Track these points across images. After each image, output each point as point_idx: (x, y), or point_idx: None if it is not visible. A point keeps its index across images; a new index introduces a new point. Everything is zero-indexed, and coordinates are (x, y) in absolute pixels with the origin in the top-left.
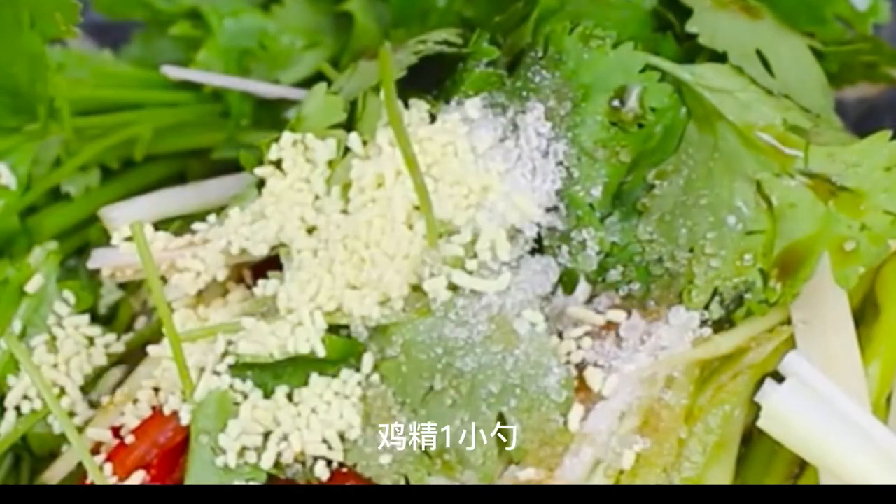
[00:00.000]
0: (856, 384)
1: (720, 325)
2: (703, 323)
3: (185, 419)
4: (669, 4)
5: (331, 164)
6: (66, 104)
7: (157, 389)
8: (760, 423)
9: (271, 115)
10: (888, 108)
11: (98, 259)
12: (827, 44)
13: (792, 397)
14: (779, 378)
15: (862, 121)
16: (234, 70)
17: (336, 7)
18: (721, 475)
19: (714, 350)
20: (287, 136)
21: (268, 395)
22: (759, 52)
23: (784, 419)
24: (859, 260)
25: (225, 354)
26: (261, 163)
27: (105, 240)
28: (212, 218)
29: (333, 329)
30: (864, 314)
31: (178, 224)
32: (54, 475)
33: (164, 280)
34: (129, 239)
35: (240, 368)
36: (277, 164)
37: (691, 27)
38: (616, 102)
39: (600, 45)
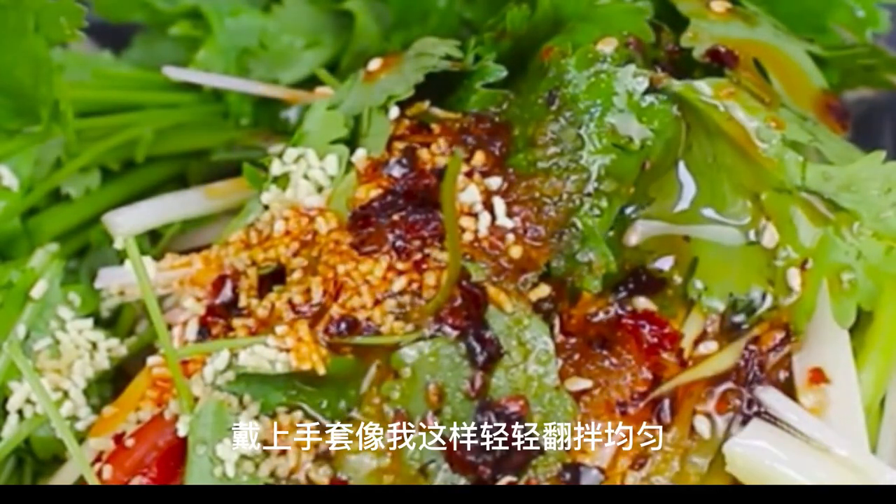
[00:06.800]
0: (850, 391)
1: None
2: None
3: (182, 430)
4: (666, 13)
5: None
6: (70, 107)
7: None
8: (728, 469)
9: (271, 115)
10: (887, 109)
11: (105, 278)
12: (826, 49)
13: (754, 444)
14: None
15: (861, 122)
16: (234, 70)
17: (336, 6)
18: (721, 480)
19: (716, 367)
20: (290, 151)
21: (267, 408)
22: (756, 62)
23: (748, 466)
24: (856, 295)
25: (227, 368)
26: (264, 168)
27: (107, 242)
28: (214, 230)
29: (335, 346)
30: (858, 321)
31: (179, 227)
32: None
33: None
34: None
35: (239, 381)
36: (279, 179)
37: (686, 41)
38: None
39: (600, 69)
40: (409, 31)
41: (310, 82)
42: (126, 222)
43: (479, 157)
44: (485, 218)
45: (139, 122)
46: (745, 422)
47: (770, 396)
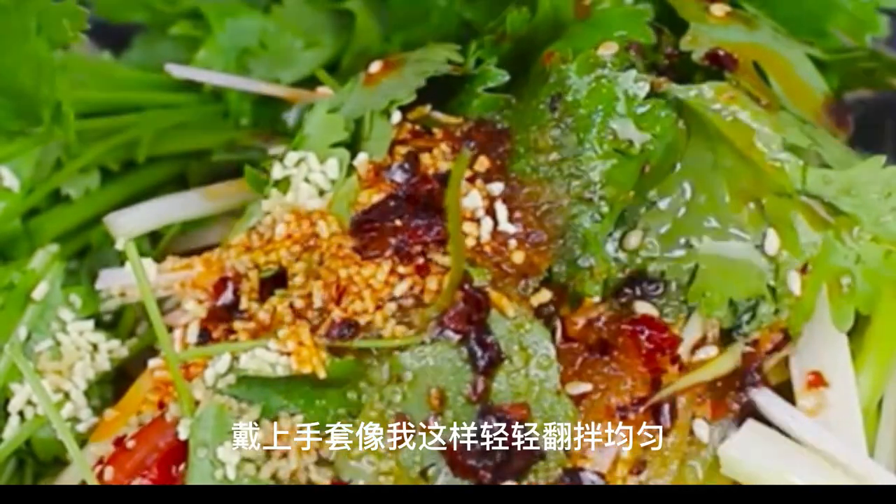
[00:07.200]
0: (848, 395)
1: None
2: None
3: (183, 433)
4: (666, 16)
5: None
6: (72, 108)
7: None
8: (723, 472)
9: (271, 115)
10: (888, 111)
11: (106, 280)
12: (826, 52)
13: (747, 445)
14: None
15: (862, 124)
16: (234, 70)
17: (336, 6)
18: (720, 483)
19: (716, 371)
20: (291, 155)
21: (268, 411)
22: (755, 65)
23: (743, 469)
24: (854, 299)
25: (228, 371)
26: (265, 171)
27: (108, 243)
28: (214, 231)
29: (336, 350)
30: (856, 325)
31: (179, 228)
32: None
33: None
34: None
35: (240, 384)
36: (280, 183)
37: (686, 45)
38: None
39: (602, 74)
40: (409, 32)
41: (310, 82)
42: (127, 223)
43: (481, 163)
44: (487, 223)
45: (139, 123)
46: (741, 425)
47: (766, 399)
